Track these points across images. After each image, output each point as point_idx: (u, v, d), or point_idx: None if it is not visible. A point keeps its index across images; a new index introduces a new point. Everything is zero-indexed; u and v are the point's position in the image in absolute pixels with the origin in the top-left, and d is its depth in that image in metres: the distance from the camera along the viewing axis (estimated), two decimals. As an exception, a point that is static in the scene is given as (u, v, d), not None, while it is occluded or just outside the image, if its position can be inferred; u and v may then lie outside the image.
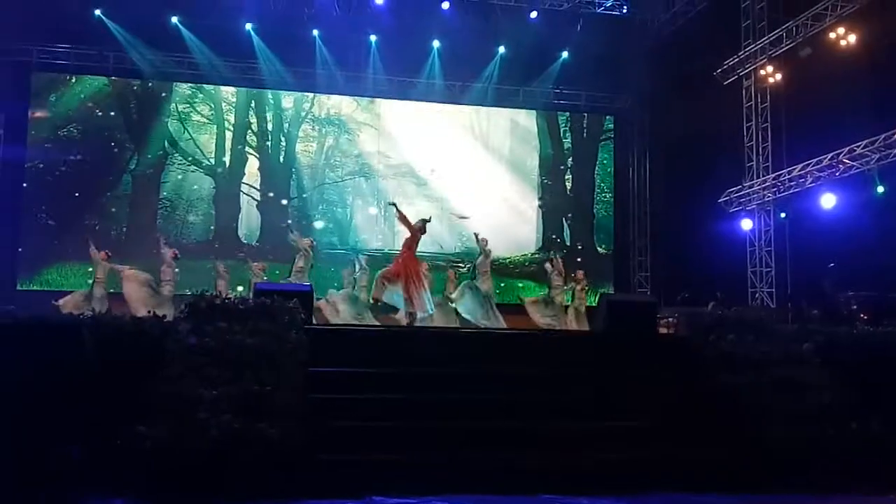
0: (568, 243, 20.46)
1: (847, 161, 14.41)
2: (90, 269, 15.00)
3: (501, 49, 19.80)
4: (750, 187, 17.08)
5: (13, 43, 17.90)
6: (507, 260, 19.96)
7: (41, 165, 18.41)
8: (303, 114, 20.15)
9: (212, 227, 19.19)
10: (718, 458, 6.71)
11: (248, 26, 18.76)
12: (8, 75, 18.15)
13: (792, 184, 15.98)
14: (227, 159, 19.56)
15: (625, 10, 19.83)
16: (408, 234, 11.23)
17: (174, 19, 18.44)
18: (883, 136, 13.65)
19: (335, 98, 20.13)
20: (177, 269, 14.73)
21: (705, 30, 17.86)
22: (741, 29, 17.23)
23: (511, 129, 21.09)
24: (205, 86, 19.57)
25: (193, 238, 18.91)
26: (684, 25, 18.64)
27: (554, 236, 20.48)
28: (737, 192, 17.33)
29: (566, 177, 21.17)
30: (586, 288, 15.97)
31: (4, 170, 17.97)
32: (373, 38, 19.31)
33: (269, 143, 19.89)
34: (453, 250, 19.42)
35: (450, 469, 6.20)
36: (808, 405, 6.92)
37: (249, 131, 19.85)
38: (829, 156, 14.77)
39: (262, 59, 18.94)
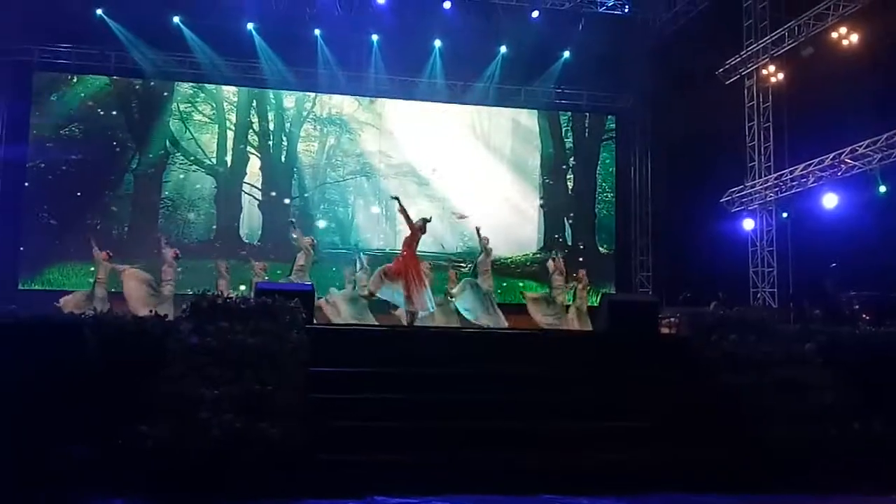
0: (569, 243, 20.46)
1: (849, 161, 14.39)
2: (92, 269, 15.01)
3: (503, 48, 19.79)
4: (752, 187, 17.06)
5: (15, 42, 17.92)
6: (509, 260, 19.96)
7: (43, 165, 18.42)
8: (304, 113, 20.16)
9: (213, 227, 19.20)
10: (720, 459, 6.70)
11: (250, 26, 18.77)
12: (10, 75, 18.20)
13: (794, 184, 15.97)
14: (228, 159, 19.56)
15: (626, 10, 19.80)
16: (408, 232, 11.22)
17: (176, 19, 18.45)
18: (885, 135, 13.63)
19: (337, 98, 20.13)
20: (180, 269, 14.73)
21: (707, 29, 17.85)
22: (743, 28, 17.21)
23: (513, 129, 21.08)
24: (206, 85, 19.58)
25: (195, 237, 18.92)
26: (686, 25, 18.62)
27: (556, 236, 20.47)
28: (738, 192, 17.32)
29: (568, 176, 21.16)
30: (588, 287, 15.94)
31: (6, 169, 18.01)
32: (374, 37, 19.31)
33: (270, 143, 19.90)
34: (455, 250, 19.43)
35: (451, 469, 6.20)
36: (810, 405, 6.92)
37: (251, 131, 19.85)
38: (831, 155, 14.75)
39: (264, 58, 18.95)
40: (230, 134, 19.67)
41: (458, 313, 13.58)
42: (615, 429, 7.00)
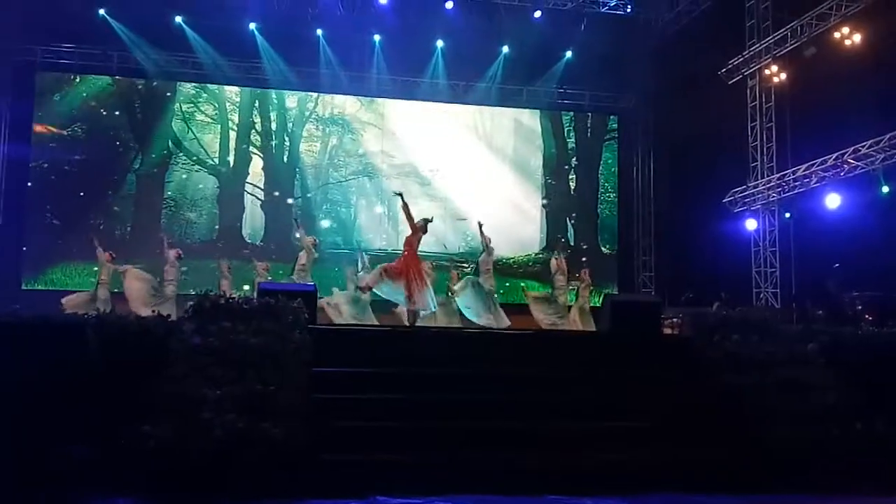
0: (572, 243, 20.44)
1: (852, 161, 14.37)
2: (95, 269, 15.04)
3: (505, 49, 19.80)
4: (754, 187, 17.05)
5: (18, 42, 17.96)
6: (511, 260, 19.96)
7: (45, 165, 18.45)
8: (307, 113, 20.17)
9: (216, 227, 19.22)
10: (722, 459, 6.70)
11: (252, 26, 18.79)
12: (12, 75, 18.21)
13: (796, 184, 15.95)
14: (231, 159, 19.58)
15: (629, 10, 19.80)
16: (409, 231, 11.21)
17: (178, 19, 18.47)
18: (888, 135, 13.61)
19: (339, 98, 20.14)
20: (184, 269, 14.75)
21: (710, 29, 17.84)
22: (745, 28, 17.19)
23: (515, 129, 21.08)
24: (209, 85, 19.60)
25: (197, 237, 18.94)
26: (688, 25, 18.61)
27: (559, 236, 20.45)
28: (741, 192, 17.31)
29: (570, 177, 21.16)
30: (591, 287, 15.94)
31: (9, 169, 18.03)
32: (376, 37, 19.32)
33: (272, 143, 19.91)
34: (457, 250, 19.44)
35: (454, 469, 6.20)
36: (812, 406, 6.91)
37: (253, 131, 19.87)
38: (834, 156, 14.73)
39: (266, 58, 18.97)
40: (233, 134, 19.69)
41: (461, 313, 13.58)
42: (617, 429, 7.00)
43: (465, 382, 7.34)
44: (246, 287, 15.42)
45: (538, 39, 19.24)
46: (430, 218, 11.39)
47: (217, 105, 19.76)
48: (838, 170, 14.75)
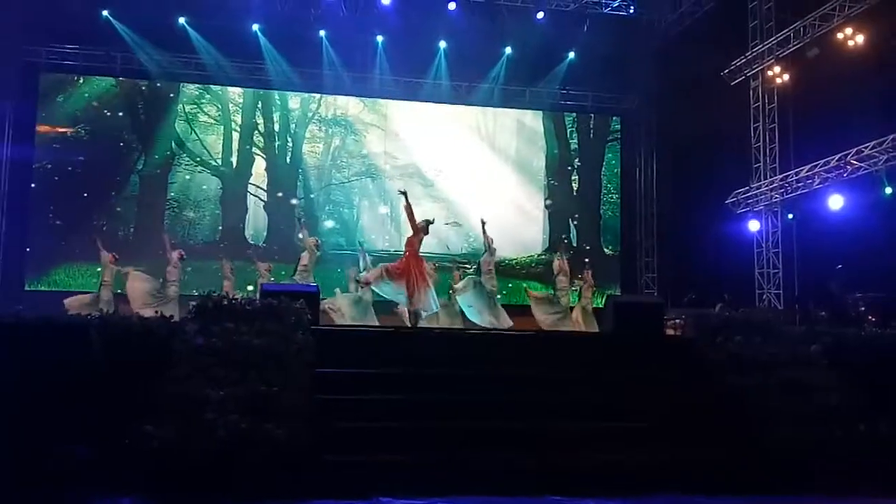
0: (574, 244, 20.43)
1: (855, 162, 14.36)
2: (98, 270, 15.06)
3: (508, 50, 19.80)
4: (757, 188, 17.04)
5: (22, 44, 17.98)
6: (514, 261, 19.96)
7: (49, 166, 18.47)
8: (309, 114, 20.18)
9: (219, 228, 19.23)
10: (726, 460, 6.70)
11: (255, 27, 18.80)
12: (16, 76, 18.23)
13: (799, 185, 15.94)
14: (234, 160, 19.60)
15: (632, 11, 19.80)
16: (410, 232, 11.20)
17: (181, 20, 18.48)
18: (891, 136, 13.60)
19: (342, 99, 20.16)
20: (189, 269, 14.77)
21: (712, 30, 17.82)
22: (748, 29, 17.18)
23: (517, 130, 21.08)
24: (212, 86, 19.62)
25: (200, 238, 18.96)
26: (691, 26, 18.60)
27: (561, 237, 20.44)
28: (744, 193, 17.30)
29: (573, 177, 21.15)
30: (593, 288, 15.94)
31: (13, 170, 18.06)
32: (379, 38, 19.33)
33: (275, 144, 19.93)
34: (460, 251, 19.44)
35: (456, 470, 6.20)
36: (815, 407, 6.90)
37: (256, 132, 19.88)
38: (837, 157, 14.72)
39: (269, 59, 18.98)
40: (235, 135, 19.70)
41: (463, 315, 13.57)
42: (620, 430, 7.00)
43: (467, 383, 7.34)
44: (250, 287, 15.43)
45: (541, 40, 19.24)
46: (431, 219, 11.39)
47: (220, 106, 19.78)
48: (841, 171, 14.74)
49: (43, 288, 17.63)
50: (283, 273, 15.21)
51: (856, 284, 13.75)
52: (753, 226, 17.24)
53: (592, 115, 21.25)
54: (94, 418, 6.00)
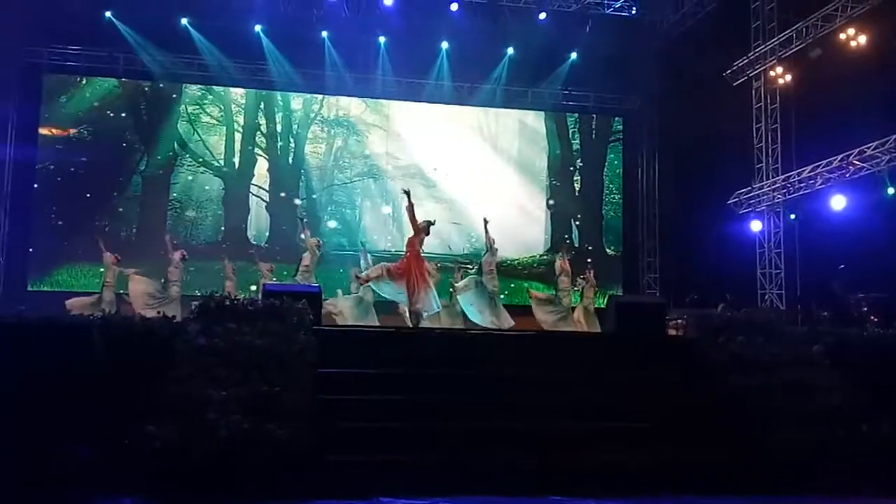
0: (577, 245, 20.42)
1: (857, 162, 14.35)
2: (101, 270, 15.08)
3: (510, 50, 19.81)
4: (759, 189, 17.03)
5: (24, 45, 18.03)
6: (516, 261, 19.96)
7: (52, 166, 18.50)
8: (312, 115, 20.20)
9: (221, 228, 19.25)
10: (728, 461, 6.69)
11: (258, 28, 18.83)
12: (19, 77, 18.27)
13: (802, 185, 15.93)
14: (236, 160, 19.62)
15: (634, 11, 19.79)
16: (412, 232, 11.20)
17: (184, 21, 18.50)
18: (893, 137, 13.58)
19: (344, 99, 20.17)
20: (192, 268, 14.78)
21: (715, 31, 17.82)
22: (751, 30, 17.18)
23: (519, 131, 21.08)
24: (214, 87, 19.65)
25: (203, 239, 18.98)
26: (694, 26, 18.60)
27: (564, 237, 20.43)
28: (746, 194, 17.28)
29: (575, 178, 21.15)
30: (595, 288, 15.94)
31: (16, 171, 18.08)
32: (381, 39, 19.34)
33: (278, 145, 19.95)
34: (462, 251, 19.43)
35: (457, 470, 6.21)
36: (817, 407, 6.90)
37: (258, 133, 19.91)
38: (839, 157, 14.71)
39: (272, 60, 19.00)
40: (238, 136, 19.72)
41: (464, 315, 13.55)
42: (622, 430, 7.00)
43: (468, 383, 7.34)
44: (253, 288, 15.45)
45: (543, 41, 19.24)
46: (432, 221, 11.39)
47: (222, 107, 19.81)
48: (843, 171, 14.72)
49: (45, 288, 17.65)
50: (285, 273, 15.22)
51: (858, 285, 13.74)
52: (755, 226, 17.23)
53: (594, 115, 21.24)
54: (97, 418, 6.01)
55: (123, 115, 19.20)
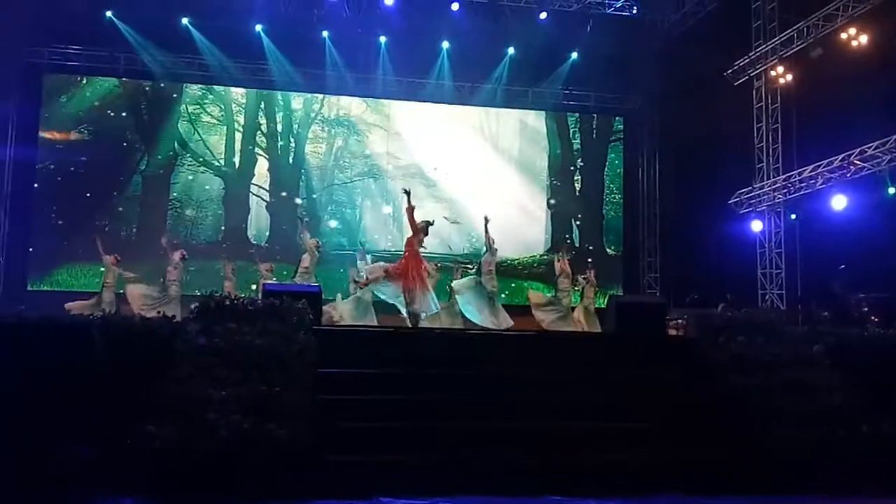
0: (577, 244, 20.42)
1: (858, 162, 14.34)
2: (101, 269, 15.08)
3: (511, 50, 19.80)
4: (760, 188, 17.02)
5: (25, 44, 18.02)
6: (516, 261, 19.95)
7: (52, 166, 18.49)
8: (312, 115, 20.19)
9: (221, 228, 19.25)
10: (728, 460, 6.69)
11: (258, 28, 18.82)
12: (20, 76, 18.26)
13: (802, 185, 15.92)
14: (236, 160, 19.62)
15: (635, 11, 19.80)
16: (410, 232, 11.20)
17: (185, 21, 18.50)
18: (894, 136, 13.57)
19: (344, 99, 20.16)
20: (192, 268, 14.78)
21: (716, 30, 17.81)
22: (752, 29, 17.17)
23: (520, 130, 21.08)
24: (215, 87, 19.64)
25: (203, 238, 18.97)
26: (694, 26, 18.58)
27: (564, 237, 20.42)
28: (747, 194, 17.27)
29: (575, 178, 21.14)
30: (596, 288, 15.92)
31: (16, 170, 18.08)
32: (382, 39, 19.33)
33: (278, 144, 19.94)
34: (462, 251, 19.42)
35: (457, 470, 6.21)
36: (817, 407, 6.90)
37: (259, 132, 19.90)
38: (840, 157, 14.70)
39: (272, 60, 18.99)
40: (238, 135, 19.72)
41: (463, 315, 13.52)
42: (622, 430, 7.00)
43: (468, 383, 7.35)
44: (254, 287, 15.45)
45: (544, 41, 19.24)
46: (431, 221, 11.39)
47: (223, 106, 19.80)
48: (844, 171, 14.71)
49: (45, 288, 17.65)
50: (284, 273, 15.21)
51: (859, 285, 13.73)
52: (756, 226, 17.22)
53: (595, 115, 21.22)
54: (97, 418, 6.01)
55: (124, 114, 19.19)
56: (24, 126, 18.17)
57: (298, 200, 19.60)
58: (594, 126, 21.38)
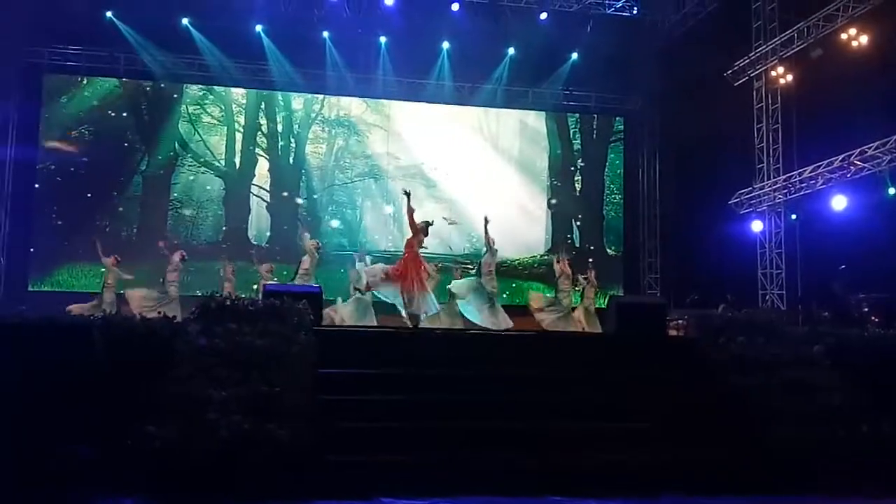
0: (577, 245, 20.43)
1: (858, 163, 14.34)
2: (102, 270, 15.08)
3: (511, 50, 19.81)
4: (760, 189, 17.02)
5: (25, 45, 18.03)
6: (517, 261, 19.96)
7: (52, 167, 18.50)
8: (312, 115, 20.20)
9: (222, 228, 19.26)
10: (728, 460, 6.69)
11: (259, 28, 18.83)
12: (20, 77, 18.27)
13: (803, 185, 15.92)
14: (237, 161, 19.62)
15: (635, 11, 19.80)
16: (409, 234, 11.20)
17: (185, 21, 18.51)
18: (895, 137, 13.58)
19: (345, 99, 20.17)
20: (191, 268, 14.78)
21: (716, 31, 17.82)
22: (752, 30, 17.17)
23: (520, 131, 21.09)
24: (215, 87, 19.64)
25: (203, 239, 18.98)
26: (695, 26, 18.59)
27: (564, 238, 20.42)
28: (747, 194, 17.28)
29: (576, 178, 21.14)
30: (596, 288, 15.92)
31: (16, 171, 18.09)
32: (382, 39, 19.35)
33: (279, 145, 19.95)
34: (462, 252, 19.42)
35: (457, 470, 6.21)
36: (818, 407, 6.90)
37: (259, 133, 19.91)
38: (840, 157, 14.70)
39: (273, 60, 19.00)
40: (239, 136, 19.73)
41: (463, 315, 13.51)
42: (623, 430, 7.00)
43: (468, 383, 7.34)
44: (255, 286, 15.44)
45: (544, 41, 19.25)
46: (430, 221, 11.38)
47: (223, 107, 19.81)
48: (845, 171, 14.72)
49: (46, 288, 17.66)
50: (285, 273, 15.21)
51: (859, 285, 13.74)
52: (756, 226, 17.22)
53: (595, 115, 21.24)
54: (97, 418, 6.02)
55: (124, 115, 19.20)
56: (24, 126, 18.18)
57: (300, 200, 19.61)
58: (594, 126, 21.38)
